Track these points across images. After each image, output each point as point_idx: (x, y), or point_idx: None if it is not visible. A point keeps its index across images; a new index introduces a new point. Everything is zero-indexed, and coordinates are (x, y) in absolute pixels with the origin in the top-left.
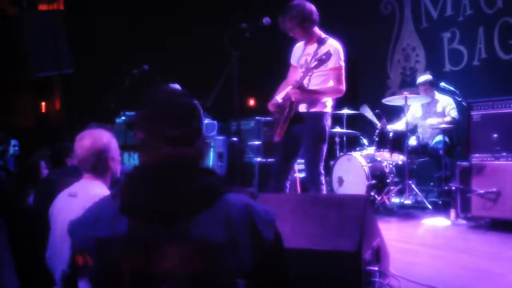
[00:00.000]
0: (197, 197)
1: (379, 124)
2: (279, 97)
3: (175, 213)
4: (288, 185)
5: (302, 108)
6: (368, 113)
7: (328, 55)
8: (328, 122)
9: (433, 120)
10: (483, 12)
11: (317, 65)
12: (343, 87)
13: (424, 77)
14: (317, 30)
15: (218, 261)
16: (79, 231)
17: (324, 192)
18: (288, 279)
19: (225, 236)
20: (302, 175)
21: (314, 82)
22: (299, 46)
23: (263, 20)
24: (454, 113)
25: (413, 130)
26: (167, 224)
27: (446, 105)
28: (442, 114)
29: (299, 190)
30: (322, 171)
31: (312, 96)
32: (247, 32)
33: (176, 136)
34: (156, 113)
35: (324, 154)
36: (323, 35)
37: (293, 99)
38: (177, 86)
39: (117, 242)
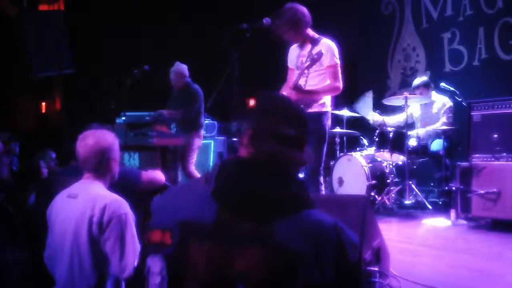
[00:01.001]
0: (288, 203)
1: (373, 118)
2: None
3: (261, 214)
4: None
5: None
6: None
7: (319, 54)
8: (328, 121)
9: (429, 127)
10: (483, 12)
11: (309, 65)
12: (340, 84)
13: (418, 80)
14: (310, 31)
15: (299, 270)
16: (162, 212)
17: (323, 192)
18: None
19: (309, 248)
20: (301, 175)
21: (311, 82)
22: (294, 48)
23: (263, 21)
24: (444, 118)
25: (412, 130)
26: (252, 222)
27: (441, 107)
28: (437, 116)
29: None
30: (322, 172)
31: (310, 97)
32: (247, 32)
33: (289, 136)
34: (273, 110)
35: (324, 154)
36: (316, 36)
37: None
38: (183, 65)
39: (202, 228)
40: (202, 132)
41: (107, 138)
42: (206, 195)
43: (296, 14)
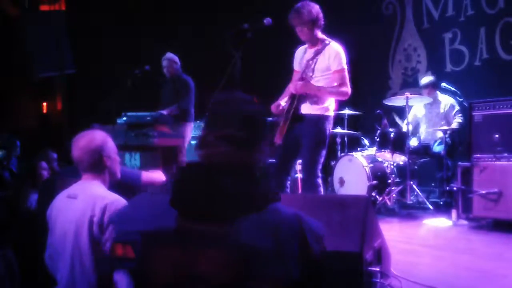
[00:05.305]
0: (245, 202)
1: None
2: (283, 102)
3: (222, 214)
4: (288, 185)
5: (304, 109)
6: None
7: (317, 52)
8: (329, 126)
9: (441, 128)
10: (485, 12)
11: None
12: (348, 89)
13: (426, 79)
14: (320, 34)
15: (261, 268)
16: (122, 224)
17: (321, 193)
18: None
19: (271, 245)
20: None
21: (317, 85)
22: (300, 50)
23: (265, 21)
24: (460, 119)
25: (414, 130)
26: (213, 224)
27: (449, 108)
28: (444, 116)
29: (300, 190)
30: (319, 173)
31: (316, 92)
32: (248, 32)
33: (240, 138)
34: (223, 112)
35: (323, 157)
36: (326, 39)
37: (293, 92)
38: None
39: (164, 236)
40: (192, 123)
41: (97, 137)
42: (164, 204)
43: (318, 13)
